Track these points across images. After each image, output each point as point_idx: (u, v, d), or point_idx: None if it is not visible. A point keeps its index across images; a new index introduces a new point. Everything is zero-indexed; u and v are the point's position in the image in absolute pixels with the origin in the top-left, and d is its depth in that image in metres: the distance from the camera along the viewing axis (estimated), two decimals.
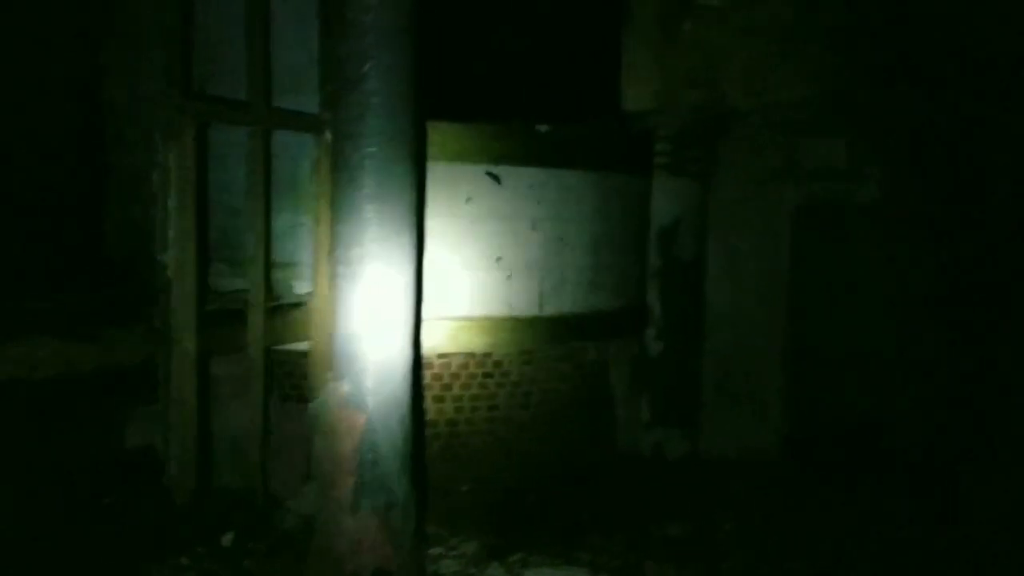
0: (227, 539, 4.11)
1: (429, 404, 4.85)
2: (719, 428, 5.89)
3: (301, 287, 4.69)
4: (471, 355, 5.09)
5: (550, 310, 5.31)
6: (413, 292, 3.90)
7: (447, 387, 5.02)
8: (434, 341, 4.87)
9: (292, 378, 4.75)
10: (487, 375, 5.16)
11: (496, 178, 4.98)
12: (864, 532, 4.57)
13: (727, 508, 4.78)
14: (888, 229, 5.64)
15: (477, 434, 5.16)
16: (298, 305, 4.60)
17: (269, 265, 4.45)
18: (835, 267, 5.95)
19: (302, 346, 4.61)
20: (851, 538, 4.47)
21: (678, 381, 5.79)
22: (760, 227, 5.80)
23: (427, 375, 4.83)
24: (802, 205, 5.79)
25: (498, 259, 5.08)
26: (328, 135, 4.08)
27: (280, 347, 4.57)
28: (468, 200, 5.01)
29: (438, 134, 4.86)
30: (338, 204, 3.76)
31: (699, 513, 4.70)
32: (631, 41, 4.69)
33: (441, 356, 4.98)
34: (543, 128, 5.14)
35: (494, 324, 5.15)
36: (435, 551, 4.20)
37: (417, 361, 4.02)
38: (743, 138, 5.61)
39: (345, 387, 3.71)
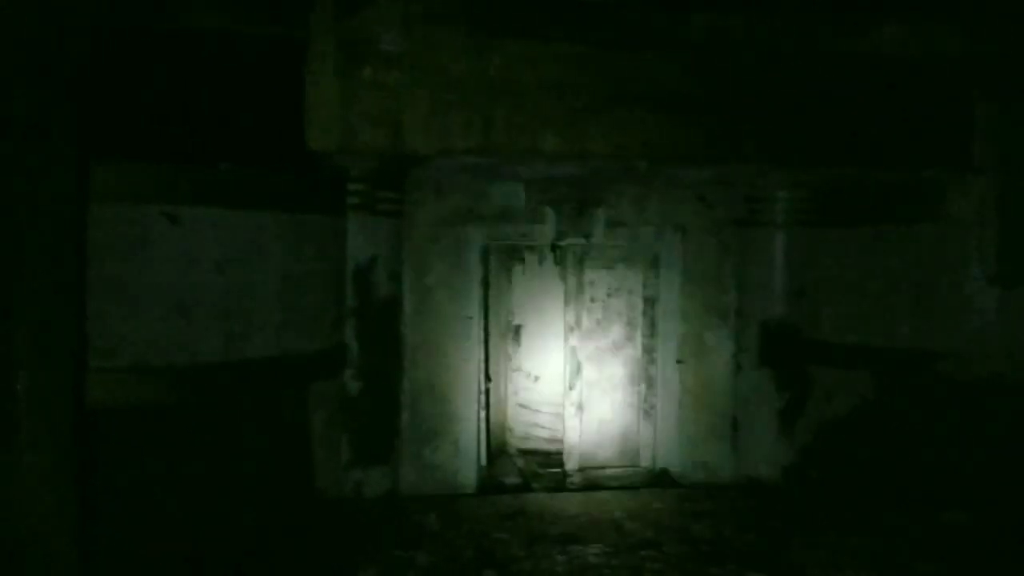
0: None
1: (101, 470, 4.42)
2: (419, 464, 6.01)
3: None
4: (151, 409, 4.74)
5: (240, 355, 5.10)
6: (75, 346, 3.57)
7: (122, 449, 4.61)
8: (105, 397, 4.47)
9: None
10: (170, 429, 4.83)
11: (174, 219, 4.73)
12: None
13: (422, 544, 4.89)
14: (560, 266, 6.27)
15: (163, 497, 4.78)
16: None
17: None
18: (521, 302, 6.41)
19: None
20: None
21: (377, 420, 5.83)
22: (452, 266, 6.06)
23: (96, 437, 4.40)
24: (490, 245, 6.16)
25: (179, 303, 4.80)
26: None
27: None
28: (145, 243, 4.70)
29: (108, 173, 4.52)
30: None
31: (394, 552, 4.75)
32: (314, 83, 4.71)
33: (114, 413, 4.57)
34: (226, 167, 4.97)
35: (177, 374, 4.84)
36: None
37: (81, 424, 3.66)
38: (431, 180, 5.87)
39: None
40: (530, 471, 6.30)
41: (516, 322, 6.41)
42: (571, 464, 6.36)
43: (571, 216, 6.13)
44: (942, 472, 5.49)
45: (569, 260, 6.33)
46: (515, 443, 6.44)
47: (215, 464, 4.99)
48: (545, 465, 6.37)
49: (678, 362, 6.31)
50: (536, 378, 6.42)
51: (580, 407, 6.38)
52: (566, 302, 6.36)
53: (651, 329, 6.41)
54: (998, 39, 5.18)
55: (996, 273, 5.22)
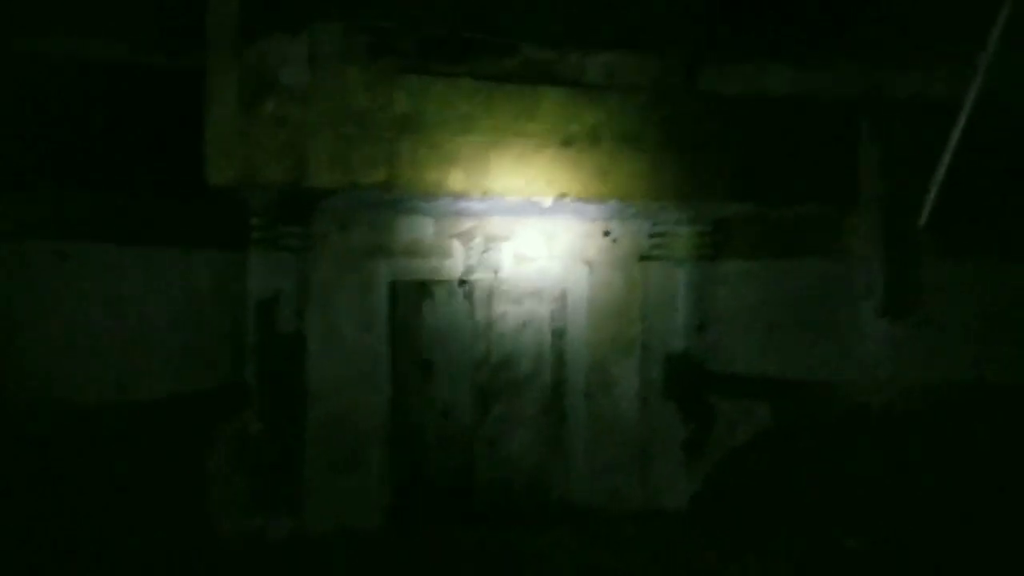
0: None
1: None
2: (324, 504, 5.86)
3: None
4: (38, 449, 4.51)
5: (135, 395, 4.92)
6: None
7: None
8: None
9: None
10: (59, 470, 4.60)
11: (63, 255, 4.54)
12: None
13: None
14: (468, 301, 6.26)
15: (50, 539, 4.54)
16: None
17: None
18: (430, 336, 6.36)
19: None
20: None
21: (280, 460, 5.67)
22: (359, 301, 5.99)
23: None
24: (398, 279, 6.12)
25: (69, 343, 4.60)
26: None
27: None
28: (30, 283, 4.50)
29: None
30: None
31: None
32: (214, 116, 4.62)
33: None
34: (121, 201, 4.83)
35: (67, 413, 4.63)
36: None
37: None
38: (337, 215, 5.81)
39: None
40: (440, 506, 6.22)
41: (426, 357, 6.36)
42: (482, 497, 6.31)
43: (479, 251, 6.16)
44: (842, 498, 5.67)
45: (478, 295, 6.33)
46: (426, 477, 6.35)
47: (105, 508, 4.77)
48: (456, 498, 6.31)
49: (586, 395, 6.37)
50: (447, 412, 6.37)
51: (491, 441, 6.36)
52: (476, 336, 6.35)
53: (560, 362, 6.45)
54: (880, 83, 5.48)
55: (884, 305, 5.47)
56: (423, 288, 6.37)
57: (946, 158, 5.00)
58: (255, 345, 5.60)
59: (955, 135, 4.95)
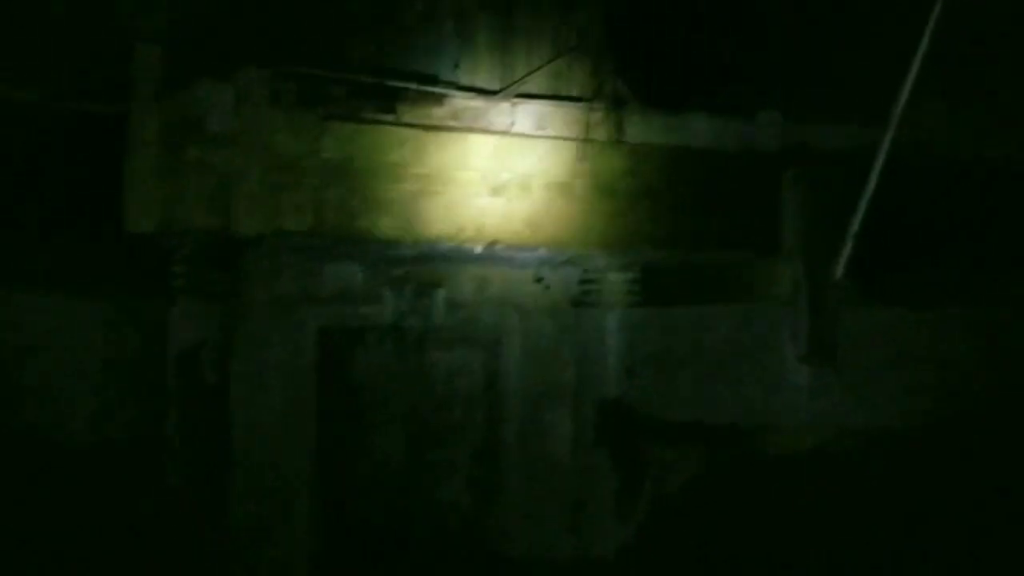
0: None
1: None
2: (250, 558, 5.65)
3: None
4: None
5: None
6: None
7: None
8: None
9: None
10: None
11: None
12: None
13: None
14: (400, 348, 6.19)
15: None
16: None
17: None
18: (360, 384, 6.26)
19: None
20: None
21: (202, 516, 5.47)
22: (287, 348, 5.85)
23: None
24: (326, 326, 6.01)
25: None
26: None
27: None
28: None
29: None
30: None
31: None
32: (134, 162, 4.53)
33: None
34: (38, 250, 4.68)
35: None
36: None
37: None
38: (264, 261, 5.68)
39: None
40: (373, 556, 6.07)
41: (358, 405, 6.25)
42: (415, 547, 6.18)
43: (411, 297, 6.10)
44: (771, 545, 5.72)
45: (410, 342, 6.26)
46: (358, 527, 6.20)
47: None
48: (389, 549, 6.17)
49: (519, 442, 6.32)
50: (379, 461, 6.25)
51: (424, 490, 6.25)
52: (407, 384, 6.27)
53: (493, 410, 6.40)
54: (801, 134, 5.68)
55: (807, 352, 5.60)
56: (354, 335, 6.27)
57: (861, 208, 5.18)
58: (177, 396, 5.42)
59: (869, 186, 5.14)
